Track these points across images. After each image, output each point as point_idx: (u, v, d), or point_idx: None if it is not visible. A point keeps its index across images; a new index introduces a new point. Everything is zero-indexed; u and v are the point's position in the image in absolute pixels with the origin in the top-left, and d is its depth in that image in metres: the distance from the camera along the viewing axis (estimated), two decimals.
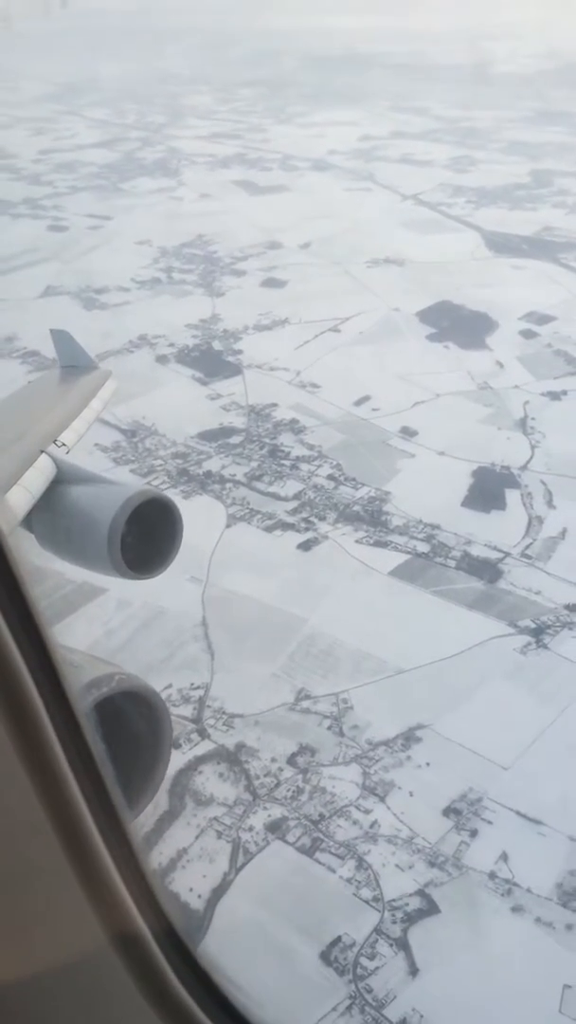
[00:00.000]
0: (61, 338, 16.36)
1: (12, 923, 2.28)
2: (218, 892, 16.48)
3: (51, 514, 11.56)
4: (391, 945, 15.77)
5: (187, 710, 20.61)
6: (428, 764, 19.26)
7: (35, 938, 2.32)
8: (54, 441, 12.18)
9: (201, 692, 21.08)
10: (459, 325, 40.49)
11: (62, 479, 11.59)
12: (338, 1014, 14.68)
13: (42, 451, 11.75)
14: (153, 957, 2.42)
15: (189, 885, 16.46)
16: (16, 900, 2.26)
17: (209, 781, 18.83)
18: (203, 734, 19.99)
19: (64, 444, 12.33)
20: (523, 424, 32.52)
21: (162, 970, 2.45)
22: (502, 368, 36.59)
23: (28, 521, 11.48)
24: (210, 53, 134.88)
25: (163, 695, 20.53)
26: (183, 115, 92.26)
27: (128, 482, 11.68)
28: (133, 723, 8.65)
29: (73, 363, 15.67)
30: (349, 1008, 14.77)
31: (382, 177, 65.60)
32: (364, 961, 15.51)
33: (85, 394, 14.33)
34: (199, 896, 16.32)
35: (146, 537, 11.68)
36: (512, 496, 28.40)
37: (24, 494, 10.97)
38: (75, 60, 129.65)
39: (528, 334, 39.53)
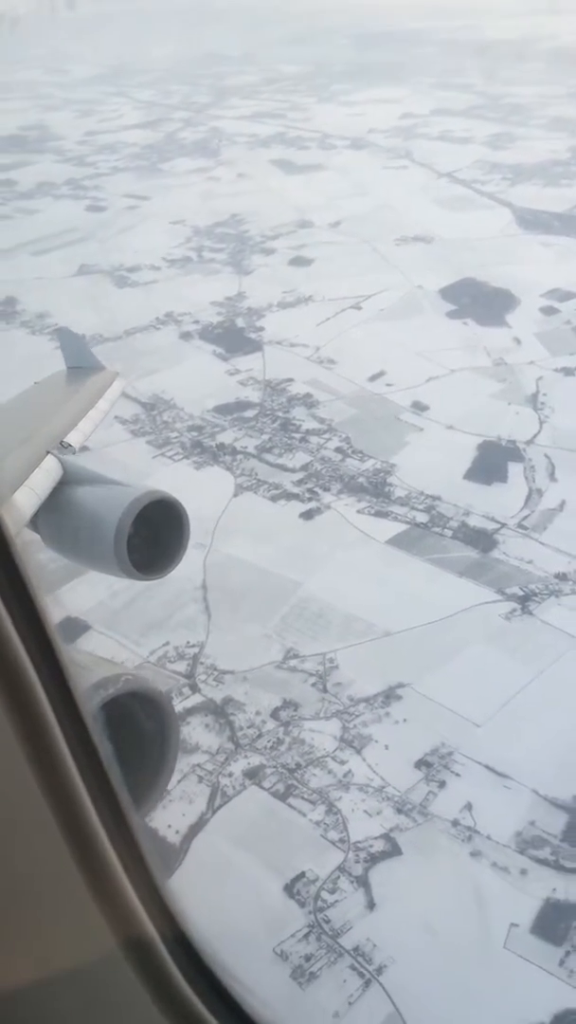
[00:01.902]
0: (67, 338, 16.13)
1: (20, 926, 2.29)
2: (194, 829, 17.69)
3: (57, 515, 11.51)
4: (352, 882, 16.83)
5: (181, 666, 21.82)
6: (405, 720, 20.20)
7: (43, 941, 2.33)
8: (60, 442, 12.15)
9: (196, 650, 22.26)
10: (480, 302, 40.87)
11: (68, 480, 11.57)
12: (296, 940, 15.79)
13: (48, 452, 11.73)
14: (161, 960, 2.41)
15: (168, 822, 17.68)
16: (23, 903, 2.28)
17: (195, 731, 20.02)
18: (194, 688, 21.17)
19: (70, 445, 12.29)
20: (534, 399, 32.97)
21: (170, 973, 2.45)
22: (519, 344, 36.97)
23: (35, 522, 11.53)
24: (258, 33, 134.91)
25: (160, 652, 21.95)
26: (227, 95, 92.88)
27: (134, 483, 11.52)
28: (140, 724, 8.61)
29: (79, 364, 15.45)
30: (306, 936, 15.87)
31: (419, 155, 65.65)
32: (325, 895, 16.59)
33: (91, 395, 14.16)
34: (176, 832, 17.54)
35: (153, 538, 11.55)
36: (515, 469, 28.99)
37: (31, 495, 10.95)
38: (124, 42, 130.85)
39: (549, 311, 39.77)
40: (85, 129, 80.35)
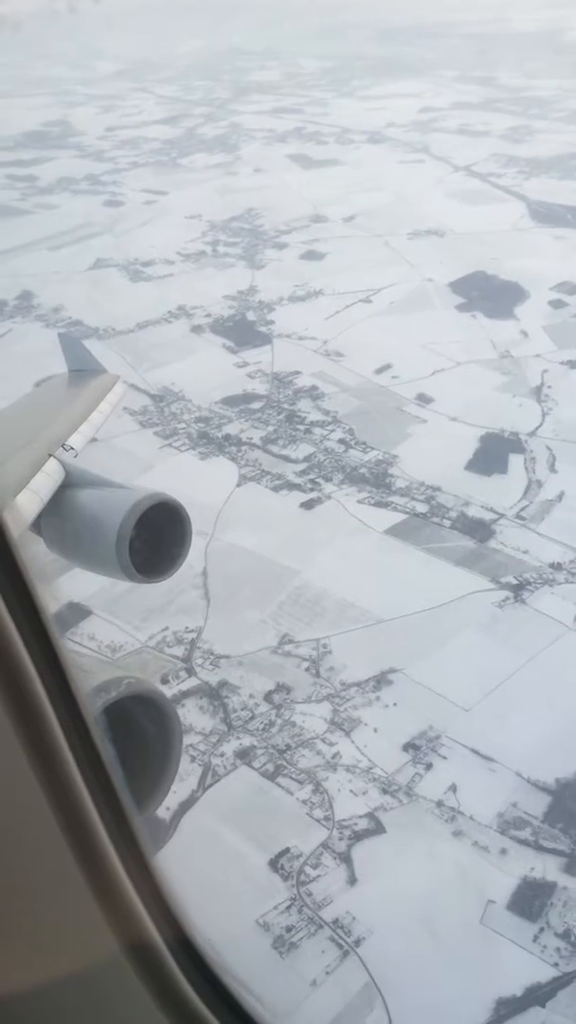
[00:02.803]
0: (69, 342, 16.12)
1: (23, 928, 2.29)
2: (185, 806, 18.25)
3: (60, 518, 11.52)
4: (335, 858, 17.31)
5: (179, 650, 22.38)
6: (395, 704, 20.64)
7: (45, 943, 2.33)
8: (63, 445, 12.13)
9: (194, 635, 22.81)
10: (490, 295, 41.10)
11: (71, 483, 11.57)
12: (278, 912, 16.32)
13: (51, 455, 11.74)
14: (163, 961, 2.41)
15: None
16: (26, 905, 2.28)
17: (190, 713, 20.57)
18: (191, 672, 21.73)
19: (72, 448, 12.25)
20: (538, 392, 33.22)
21: (172, 974, 2.44)
22: (526, 337, 37.20)
23: (37, 525, 11.53)
24: (282, 27, 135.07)
25: (159, 636, 22.51)
26: (248, 90, 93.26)
27: (136, 486, 11.59)
28: (142, 727, 8.55)
29: (81, 367, 15.49)
30: (288, 908, 16.39)
31: (437, 149, 65.76)
32: (308, 870, 17.09)
33: (93, 398, 14.17)
34: (167, 808, 18.08)
35: (155, 540, 11.58)
36: (515, 460, 29.29)
37: (33, 498, 10.93)
38: (148, 37, 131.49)
39: (557, 304, 39.93)
40: (106, 125, 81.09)
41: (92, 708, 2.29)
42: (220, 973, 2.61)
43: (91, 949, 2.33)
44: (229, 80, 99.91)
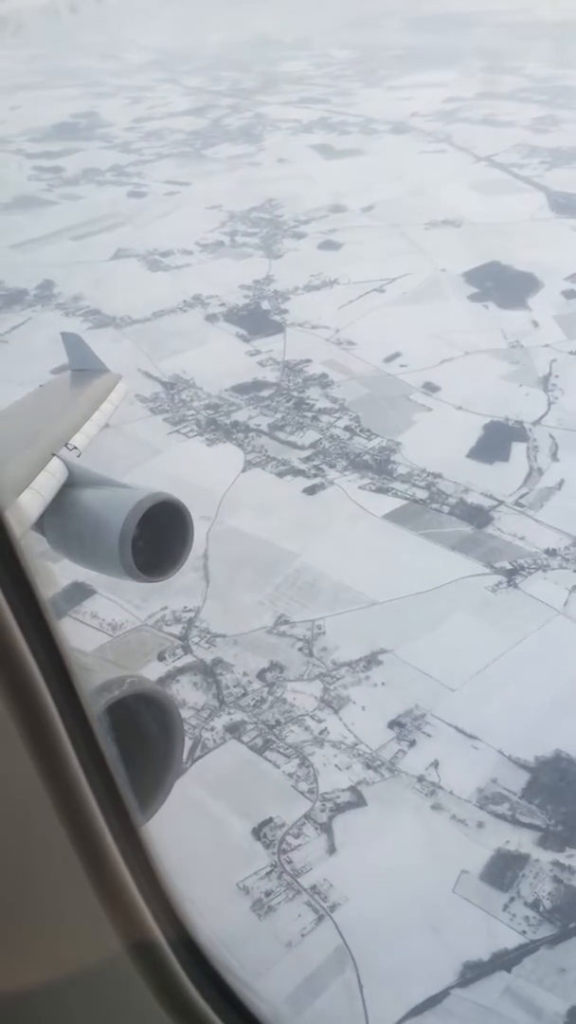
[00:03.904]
0: (72, 342, 15.97)
1: (26, 928, 2.28)
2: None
3: (62, 518, 11.51)
4: (316, 828, 17.95)
5: (176, 629, 23.10)
6: (384, 683, 21.20)
7: (48, 943, 2.32)
8: (65, 445, 12.16)
9: (192, 614, 23.50)
10: (503, 285, 41.25)
11: (73, 482, 11.60)
12: (258, 877, 16.98)
13: (54, 455, 11.78)
14: (167, 961, 2.41)
15: None
16: (29, 904, 2.27)
17: (184, 688, 21.29)
18: (187, 650, 22.43)
19: (76, 448, 12.28)
20: (545, 381, 33.45)
21: (176, 974, 2.44)
22: (536, 327, 37.38)
23: (40, 524, 11.50)
24: (313, 17, 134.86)
25: (158, 615, 23.22)
26: (276, 81, 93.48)
27: (139, 485, 11.56)
28: (145, 726, 8.47)
29: (84, 366, 15.47)
30: (268, 874, 17.05)
31: (460, 139, 65.66)
32: (290, 839, 17.74)
33: (96, 398, 14.16)
34: None
35: (158, 539, 11.52)
36: (518, 448, 29.62)
37: (36, 498, 10.94)
38: (179, 27, 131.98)
39: (571, 294, 40.01)
40: (134, 116, 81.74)
41: (95, 707, 2.29)
42: (223, 972, 2.61)
43: (94, 948, 2.33)
44: (257, 71, 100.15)
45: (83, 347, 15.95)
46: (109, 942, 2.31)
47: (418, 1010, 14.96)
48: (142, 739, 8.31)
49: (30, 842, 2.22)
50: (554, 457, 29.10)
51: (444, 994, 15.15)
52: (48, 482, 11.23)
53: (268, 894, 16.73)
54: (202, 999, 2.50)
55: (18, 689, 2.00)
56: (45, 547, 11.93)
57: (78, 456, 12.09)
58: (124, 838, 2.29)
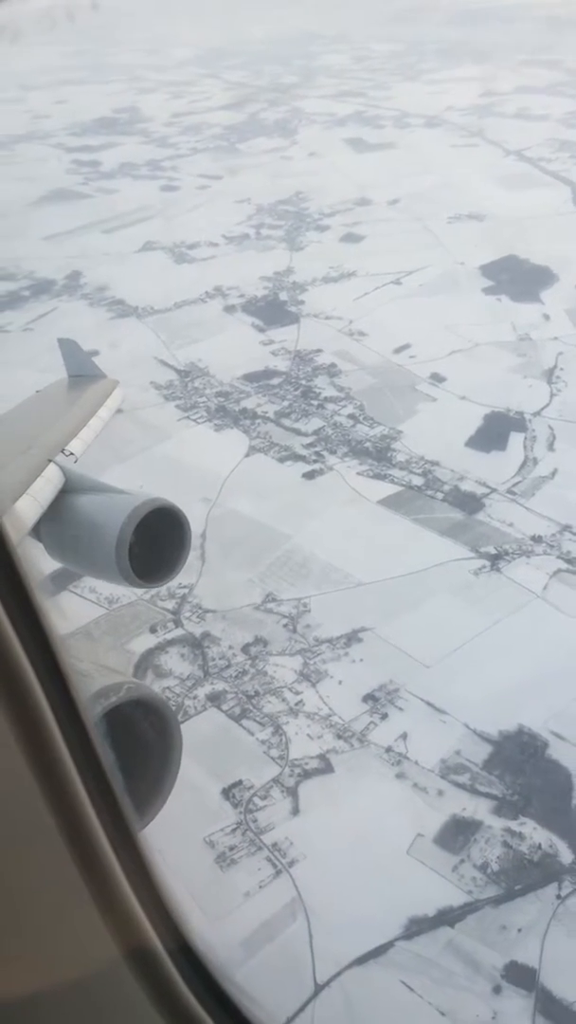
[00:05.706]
0: (69, 348, 16.13)
1: (24, 934, 2.28)
2: None
3: (59, 523, 11.59)
4: (283, 791, 18.88)
5: (170, 604, 24.16)
6: (362, 660, 22.07)
7: (46, 949, 2.32)
8: (62, 450, 12.28)
9: (185, 591, 24.55)
10: (518, 279, 41.74)
11: (70, 488, 11.69)
12: (224, 833, 18.01)
13: (50, 460, 11.86)
14: (164, 967, 2.42)
15: None
16: (27, 911, 2.28)
17: (171, 659, 22.37)
18: (178, 623, 23.50)
19: (72, 453, 12.42)
20: (550, 373, 33.96)
21: (173, 980, 2.45)
22: (547, 320, 37.83)
23: (37, 530, 11.59)
24: (357, 11, 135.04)
25: (152, 592, 24.30)
26: (315, 75, 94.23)
27: (136, 491, 11.74)
28: (142, 732, 8.59)
29: (80, 372, 15.67)
30: (234, 831, 18.06)
31: (492, 133, 65.96)
32: (257, 800, 18.72)
33: (92, 404, 14.38)
34: None
35: (154, 545, 11.58)
36: (516, 438, 30.22)
37: (32, 503, 11.03)
38: (223, 22, 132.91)
39: None
40: (173, 111, 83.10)
41: (92, 713, 2.45)
42: (220, 979, 2.62)
43: (92, 954, 2.34)
44: (298, 65, 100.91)
45: (80, 353, 16.28)
46: (107, 948, 2.33)
47: (363, 959, 15.86)
48: (140, 745, 8.48)
49: (28, 848, 2.24)
50: (550, 448, 29.66)
51: (389, 945, 16.02)
52: (45, 488, 11.41)
53: (232, 848, 17.73)
54: (199, 1005, 2.53)
55: (15, 695, 2.02)
56: (42, 553, 12.08)
57: (75, 462, 12.33)
58: (121, 844, 2.32)
